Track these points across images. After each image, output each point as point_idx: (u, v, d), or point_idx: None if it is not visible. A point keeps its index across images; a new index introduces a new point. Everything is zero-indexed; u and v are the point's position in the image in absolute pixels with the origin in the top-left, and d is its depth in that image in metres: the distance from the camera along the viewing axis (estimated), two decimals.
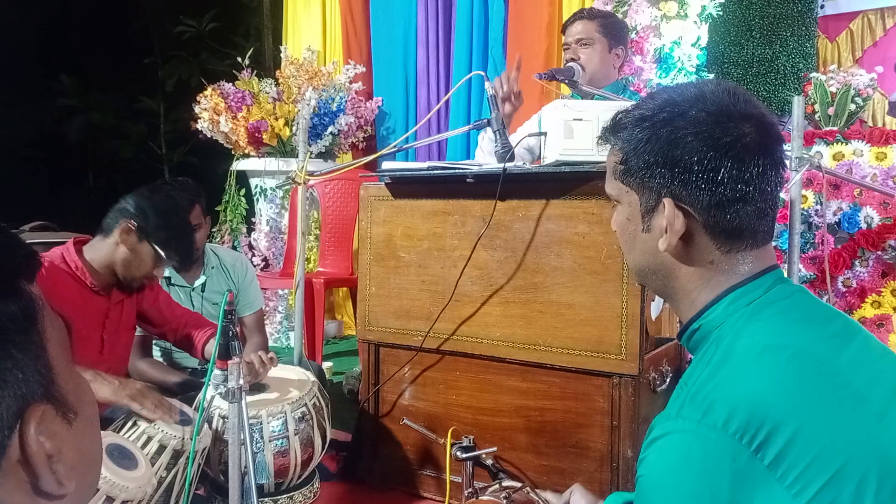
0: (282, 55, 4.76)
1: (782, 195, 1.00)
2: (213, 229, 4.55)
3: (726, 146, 0.88)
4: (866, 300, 2.98)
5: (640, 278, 1.04)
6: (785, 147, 0.96)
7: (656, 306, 2.22)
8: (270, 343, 3.86)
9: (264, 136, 4.31)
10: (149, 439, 1.75)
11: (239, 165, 4.58)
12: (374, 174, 2.42)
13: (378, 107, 4.67)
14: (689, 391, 0.84)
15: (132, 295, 2.17)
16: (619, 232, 1.02)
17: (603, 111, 1.83)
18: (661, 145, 0.91)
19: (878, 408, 0.81)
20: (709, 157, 0.88)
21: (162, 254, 2.00)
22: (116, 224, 1.98)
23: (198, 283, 2.67)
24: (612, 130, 0.99)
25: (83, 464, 0.55)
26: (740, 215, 0.90)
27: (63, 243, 2.06)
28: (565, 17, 3.89)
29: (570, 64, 2.50)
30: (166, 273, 2.61)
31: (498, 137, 2.08)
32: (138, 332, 2.32)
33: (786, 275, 0.97)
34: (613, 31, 2.61)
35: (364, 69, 4.65)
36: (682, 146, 0.89)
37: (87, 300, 2.02)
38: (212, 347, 2.06)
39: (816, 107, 3.31)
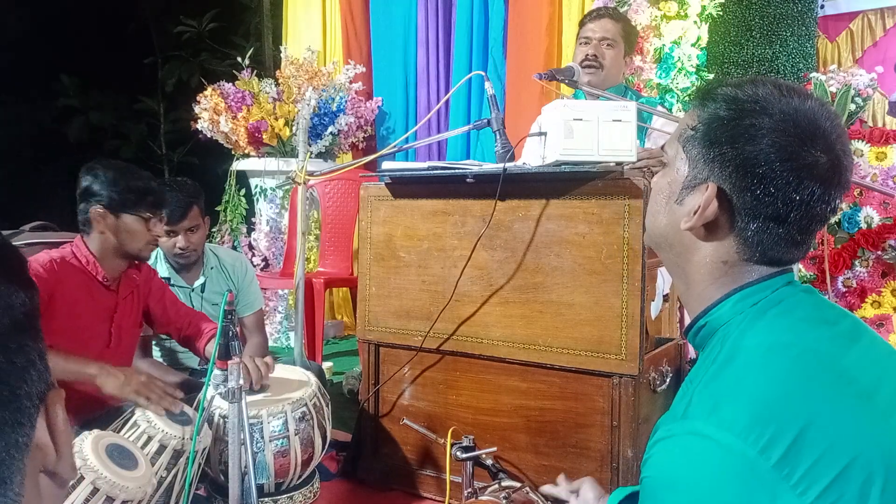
0: (282, 55, 4.76)
1: None
2: (213, 229, 4.55)
3: (795, 166, 0.87)
4: (866, 300, 2.98)
5: (655, 246, 1.03)
6: None
7: (656, 306, 2.23)
8: (270, 343, 3.86)
9: (264, 136, 4.31)
10: (149, 439, 1.75)
11: (239, 165, 4.58)
12: (374, 174, 2.42)
13: (378, 107, 4.67)
14: (695, 391, 0.84)
15: (139, 288, 2.19)
16: (654, 192, 1.02)
17: (603, 111, 1.83)
18: (737, 133, 0.89)
19: (884, 406, 0.81)
20: (773, 168, 0.87)
21: (143, 215, 2.07)
22: (87, 215, 2.04)
23: (197, 283, 2.66)
24: (703, 96, 0.96)
25: None
26: (770, 234, 0.90)
27: (64, 243, 2.09)
28: (565, 18, 3.91)
29: (571, 64, 2.50)
30: (165, 273, 2.61)
31: (498, 137, 2.08)
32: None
33: None
34: (630, 38, 2.67)
35: (364, 69, 4.64)
36: (755, 144, 0.88)
37: (97, 295, 2.04)
38: (213, 347, 2.07)
39: None
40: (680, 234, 0.95)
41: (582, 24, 2.70)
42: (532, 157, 2.35)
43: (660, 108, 2.69)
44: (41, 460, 0.51)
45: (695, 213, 0.92)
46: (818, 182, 0.87)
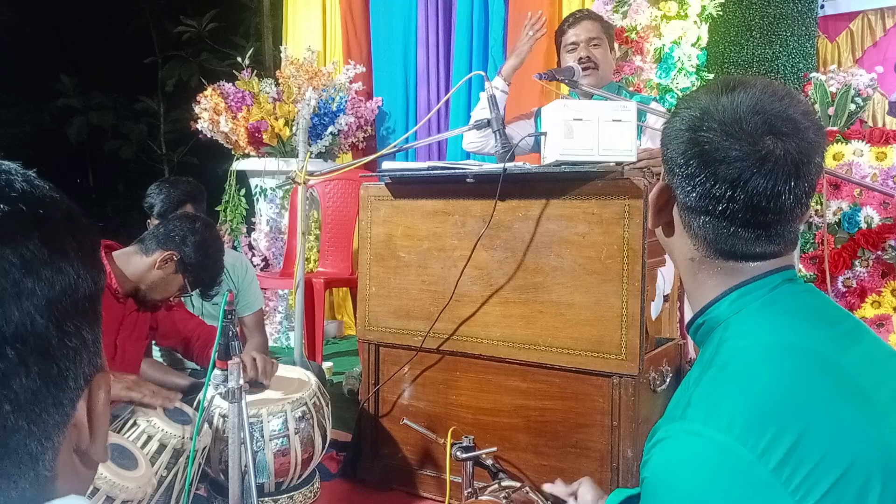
0: (282, 55, 4.76)
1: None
2: None
3: (710, 160, 0.87)
4: (866, 300, 2.98)
5: None
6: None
7: (656, 306, 2.22)
8: (270, 343, 3.86)
9: (264, 136, 4.31)
10: (149, 439, 1.75)
11: (239, 165, 4.58)
12: (374, 174, 2.42)
13: (378, 107, 4.67)
14: (693, 391, 0.84)
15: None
16: None
17: (603, 111, 1.83)
18: (667, 133, 0.93)
19: (883, 408, 0.80)
20: (689, 164, 0.88)
21: (189, 288, 2.12)
22: (159, 248, 2.04)
23: None
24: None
25: None
26: (712, 229, 0.89)
27: None
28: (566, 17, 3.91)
29: (570, 64, 2.51)
30: None
31: (498, 137, 2.08)
32: None
33: None
34: (610, 33, 2.73)
35: (364, 69, 4.64)
36: (676, 142, 0.91)
37: (106, 305, 2.02)
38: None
39: (816, 107, 3.31)
40: (658, 233, 1.00)
41: (561, 31, 2.71)
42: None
43: (654, 104, 2.70)
44: (75, 439, 0.52)
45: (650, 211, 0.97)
46: (747, 175, 0.85)
